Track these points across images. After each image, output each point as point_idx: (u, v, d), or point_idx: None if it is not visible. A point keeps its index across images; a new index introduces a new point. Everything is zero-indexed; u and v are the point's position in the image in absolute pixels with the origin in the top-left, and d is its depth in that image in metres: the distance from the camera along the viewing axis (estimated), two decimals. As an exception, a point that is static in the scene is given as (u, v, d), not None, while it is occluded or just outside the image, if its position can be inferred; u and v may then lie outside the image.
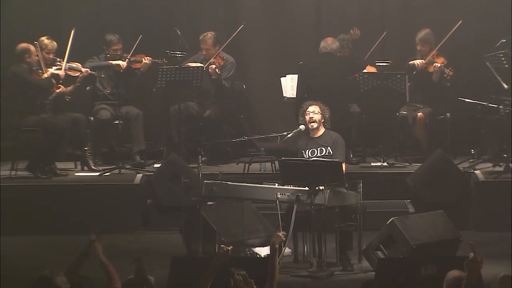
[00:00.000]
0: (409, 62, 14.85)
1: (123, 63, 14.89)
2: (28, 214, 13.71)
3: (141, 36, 14.63)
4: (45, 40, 14.57)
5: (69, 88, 14.65)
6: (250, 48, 16.28)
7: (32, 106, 14.36)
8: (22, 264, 11.66)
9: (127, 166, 14.71)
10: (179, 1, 15.99)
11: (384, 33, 15.20)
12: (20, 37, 14.90)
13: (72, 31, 14.48)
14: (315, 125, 12.79)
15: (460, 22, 14.52)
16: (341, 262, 11.93)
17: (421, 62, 14.77)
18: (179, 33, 15.24)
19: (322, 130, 12.93)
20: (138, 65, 15.00)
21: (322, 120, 12.90)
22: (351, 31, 15.29)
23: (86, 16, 15.92)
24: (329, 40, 14.81)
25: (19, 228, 13.48)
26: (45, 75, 14.39)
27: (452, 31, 14.56)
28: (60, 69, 14.53)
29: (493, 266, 10.56)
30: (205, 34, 15.20)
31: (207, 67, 14.93)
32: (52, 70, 14.40)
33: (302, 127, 12.95)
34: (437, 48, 14.79)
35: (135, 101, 15.21)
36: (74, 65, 14.65)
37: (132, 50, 14.73)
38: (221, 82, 15.11)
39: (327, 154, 12.71)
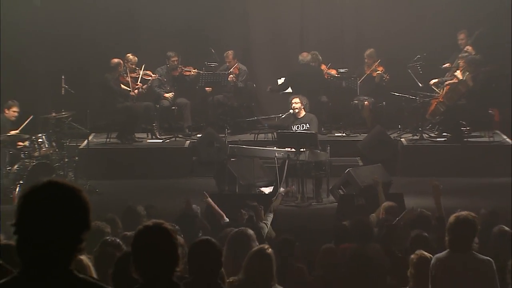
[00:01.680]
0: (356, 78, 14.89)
1: (169, 95, 14.87)
2: (117, 166, 13.71)
3: (185, 52, 14.67)
4: (130, 56, 14.56)
5: (144, 86, 14.66)
6: (258, 60, 16.06)
7: (119, 98, 14.40)
8: (113, 199, 11.69)
9: (180, 136, 14.64)
10: (213, 29, 15.88)
11: (329, 64, 15.08)
12: (110, 51, 14.84)
13: (143, 67, 14.50)
14: (297, 110, 12.90)
15: (379, 60, 14.66)
16: (316, 196, 12.08)
17: (367, 69, 14.85)
18: (213, 51, 15.21)
19: (303, 113, 13.00)
20: (188, 73, 15.01)
21: (303, 106, 12.99)
22: None
23: (153, 38, 15.90)
24: (304, 54, 14.76)
25: (111, 175, 13.47)
26: (128, 79, 14.47)
27: (378, 61, 14.67)
28: (138, 75, 14.62)
29: (412, 198, 10.68)
30: (227, 51, 15.14)
31: (228, 75, 14.92)
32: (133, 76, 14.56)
33: (291, 111, 13.02)
34: (378, 61, 14.81)
35: (185, 95, 15.17)
36: (148, 72, 14.68)
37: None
38: (238, 84, 15.08)
39: (306, 128, 12.81)
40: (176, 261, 3.77)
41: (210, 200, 8.98)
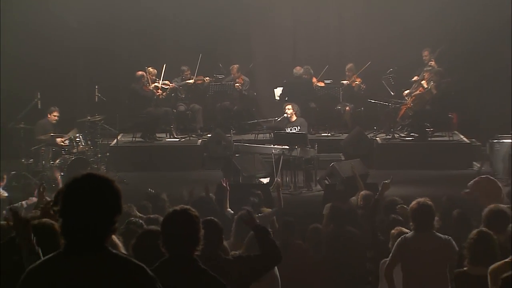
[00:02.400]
0: (342, 81, 14.95)
1: (191, 81, 14.96)
2: (141, 161, 13.66)
3: (198, 64, 14.69)
4: (150, 68, 14.56)
5: (164, 94, 14.67)
6: (258, 72, 16.03)
7: (142, 104, 14.42)
8: (138, 188, 11.60)
9: (193, 135, 14.64)
10: (221, 47, 15.87)
11: (326, 66, 15.02)
12: (135, 65, 14.76)
13: (164, 66, 14.49)
14: (289, 115, 12.95)
15: (369, 63, 14.59)
16: (306, 186, 12.11)
17: (346, 82, 14.86)
18: (221, 65, 15.23)
19: (295, 117, 13.05)
20: (200, 82, 15.04)
21: (294, 112, 13.03)
22: None
23: (170, 52, 15.90)
24: (298, 68, 14.83)
25: (136, 168, 13.42)
26: (150, 87, 14.51)
27: (364, 68, 14.62)
28: (158, 84, 14.64)
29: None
30: (233, 65, 15.11)
31: (234, 84, 14.96)
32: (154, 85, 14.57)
33: (285, 115, 13.08)
34: (357, 74, 14.81)
35: (198, 101, 15.17)
36: (166, 82, 14.70)
37: (196, 72, 14.85)
38: (242, 92, 15.06)
39: (298, 130, 12.86)
40: (198, 242, 3.82)
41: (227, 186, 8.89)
